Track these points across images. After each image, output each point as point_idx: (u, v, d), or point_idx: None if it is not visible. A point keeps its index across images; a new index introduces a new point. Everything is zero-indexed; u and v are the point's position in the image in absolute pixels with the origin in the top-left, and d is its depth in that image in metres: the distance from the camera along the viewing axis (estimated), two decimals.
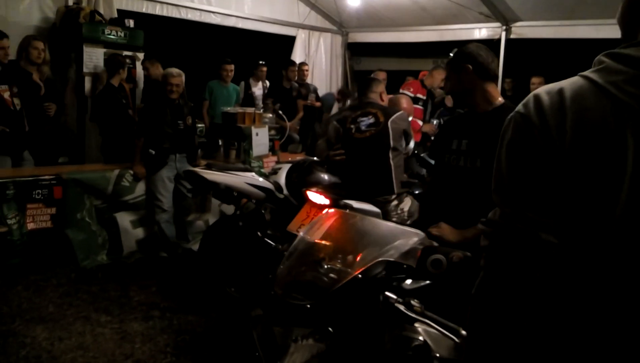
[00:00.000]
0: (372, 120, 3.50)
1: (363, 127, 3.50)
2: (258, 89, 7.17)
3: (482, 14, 7.01)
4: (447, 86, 2.54)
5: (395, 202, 3.38)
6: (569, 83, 1.02)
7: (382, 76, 6.45)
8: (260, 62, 7.18)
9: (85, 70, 5.49)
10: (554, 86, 1.04)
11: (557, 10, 6.38)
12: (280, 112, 6.31)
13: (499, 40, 7.10)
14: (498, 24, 7.15)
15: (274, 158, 5.60)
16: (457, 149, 2.42)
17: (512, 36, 7.06)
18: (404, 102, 4.35)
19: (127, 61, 5.53)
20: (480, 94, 2.35)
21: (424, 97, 5.97)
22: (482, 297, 1.06)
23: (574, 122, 0.97)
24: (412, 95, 5.72)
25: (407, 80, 6.62)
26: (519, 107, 1.06)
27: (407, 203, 3.43)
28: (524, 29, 7.04)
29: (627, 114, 0.93)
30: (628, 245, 0.94)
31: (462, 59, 2.37)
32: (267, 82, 7.36)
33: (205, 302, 3.93)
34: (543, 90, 1.04)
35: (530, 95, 1.06)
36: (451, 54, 2.54)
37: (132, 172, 4.64)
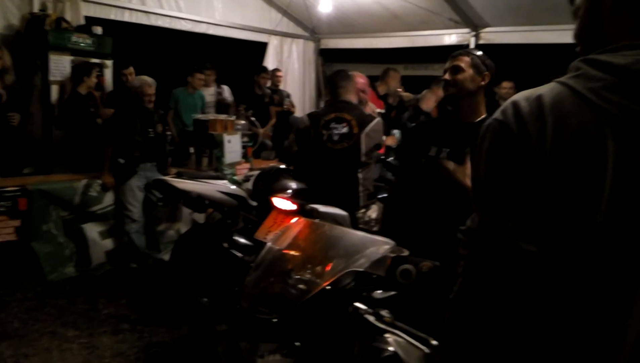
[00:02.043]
0: (345, 129, 3.44)
1: (335, 138, 3.45)
2: (210, 95, 7.06)
3: (452, 20, 7.11)
4: (456, 80, 2.36)
5: (363, 209, 3.38)
6: (547, 89, 1.01)
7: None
8: (195, 66, 6.82)
9: (51, 78, 5.36)
10: (532, 92, 1.02)
11: (524, 16, 6.51)
12: (252, 118, 6.27)
13: (467, 45, 7.19)
14: (467, 30, 7.26)
15: (247, 165, 5.56)
16: (436, 157, 2.41)
17: (481, 42, 7.16)
18: (362, 82, 4.10)
19: (96, 68, 5.41)
20: (475, 104, 2.36)
21: (383, 111, 5.65)
22: (460, 304, 1.05)
23: (553, 130, 0.95)
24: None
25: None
26: (497, 114, 1.04)
27: (375, 210, 3.44)
28: (493, 35, 7.16)
29: (607, 121, 0.93)
30: (608, 252, 0.94)
31: (487, 66, 2.36)
32: (225, 87, 7.28)
33: (177, 314, 3.85)
34: (521, 96, 1.02)
35: (508, 102, 1.03)
36: (472, 52, 2.42)
37: (100, 182, 4.54)
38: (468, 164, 2.19)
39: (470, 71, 2.34)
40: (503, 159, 0.99)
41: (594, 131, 0.94)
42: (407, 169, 2.66)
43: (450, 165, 2.24)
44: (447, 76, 2.39)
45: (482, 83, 2.35)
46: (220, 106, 6.99)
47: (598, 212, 0.93)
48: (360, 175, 3.46)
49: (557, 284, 0.97)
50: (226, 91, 7.35)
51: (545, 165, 0.95)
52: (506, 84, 6.30)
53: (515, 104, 1.01)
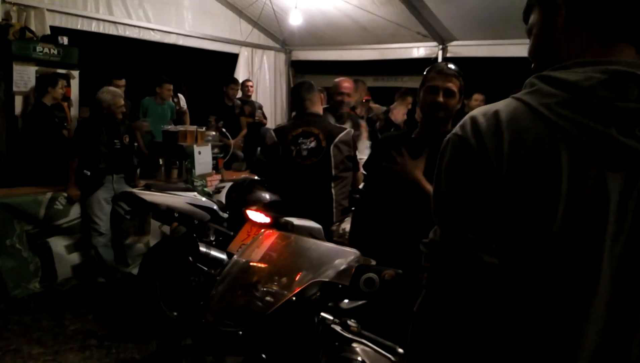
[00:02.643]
0: (313, 144, 3.39)
1: (304, 153, 3.39)
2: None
3: (420, 34, 7.25)
4: (448, 105, 2.33)
5: (337, 223, 3.38)
6: (503, 105, 1.04)
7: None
8: (163, 77, 6.69)
9: (15, 89, 5.24)
10: (489, 108, 1.05)
11: (489, 30, 6.69)
12: (223, 130, 6.24)
13: (436, 58, 7.34)
14: (435, 43, 7.41)
15: (218, 177, 5.52)
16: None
17: (448, 55, 7.33)
18: (348, 86, 4.31)
19: (63, 80, 5.31)
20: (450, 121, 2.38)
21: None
22: (423, 315, 1.06)
23: (510, 144, 0.98)
24: None
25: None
26: (456, 129, 1.06)
27: (349, 223, 3.44)
28: (459, 48, 7.33)
29: (561, 136, 0.96)
30: (564, 262, 0.97)
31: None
32: (181, 97, 7.25)
33: (146, 329, 3.78)
34: (479, 112, 1.05)
35: (467, 117, 1.06)
36: (459, 73, 2.38)
37: (65, 194, 4.44)
38: (422, 162, 2.25)
39: (458, 94, 2.35)
40: (462, 173, 1.01)
41: (548, 146, 0.97)
42: (372, 179, 2.67)
43: (404, 159, 2.29)
44: (440, 98, 2.31)
45: (460, 101, 2.37)
46: (177, 115, 6.93)
47: (554, 224, 0.96)
48: (333, 190, 3.41)
49: (517, 294, 1.00)
50: (182, 100, 7.31)
51: (502, 179, 0.98)
52: (477, 97, 6.45)
53: (473, 120, 1.04)
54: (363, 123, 5.10)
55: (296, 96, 3.65)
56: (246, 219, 3.34)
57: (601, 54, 1.00)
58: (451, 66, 2.40)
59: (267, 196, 3.52)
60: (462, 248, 0.99)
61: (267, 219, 3.19)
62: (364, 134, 4.98)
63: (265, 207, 3.36)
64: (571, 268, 0.97)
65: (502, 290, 1.00)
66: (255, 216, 3.27)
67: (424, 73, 2.44)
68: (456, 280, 1.01)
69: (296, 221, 3.04)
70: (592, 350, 0.97)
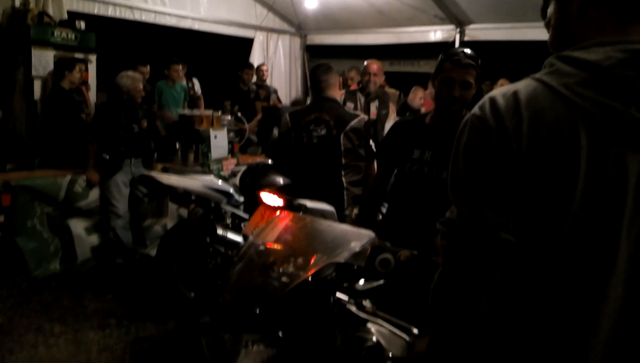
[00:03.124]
0: (324, 131, 3.36)
1: (314, 140, 3.38)
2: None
3: (437, 17, 7.16)
4: (464, 97, 2.26)
5: (350, 207, 3.37)
6: (523, 85, 1.04)
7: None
8: (174, 58, 6.77)
9: (34, 73, 5.30)
10: (508, 88, 1.06)
11: (508, 13, 6.57)
12: (238, 114, 6.26)
13: (453, 42, 7.25)
14: (452, 27, 7.31)
15: (234, 161, 5.55)
16: (419, 159, 2.38)
17: (465, 38, 7.22)
18: (375, 67, 4.42)
19: (79, 64, 5.36)
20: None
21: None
22: (440, 292, 1.08)
23: (529, 124, 0.99)
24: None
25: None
26: (475, 110, 1.06)
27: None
28: (477, 32, 7.22)
29: (580, 115, 0.96)
30: (583, 241, 0.98)
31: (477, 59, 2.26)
32: (195, 81, 7.28)
33: (164, 309, 3.85)
34: (498, 93, 1.05)
35: (486, 98, 1.06)
36: (477, 60, 2.26)
37: (85, 177, 4.51)
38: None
39: (475, 84, 2.27)
40: (481, 152, 1.02)
41: (567, 126, 0.97)
42: (385, 164, 2.64)
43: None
44: (456, 93, 2.24)
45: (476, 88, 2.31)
46: (191, 99, 6.97)
47: (573, 203, 0.97)
48: (344, 178, 3.39)
49: (534, 272, 1.01)
50: (196, 85, 7.34)
51: (521, 159, 0.99)
52: (503, 82, 6.36)
53: (492, 100, 1.04)
54: (392, 103, 5.21)
55: (313, 78, 3.62)
56: (260, 202, 3.36)
57: (619, 35, 0.99)
58: (467, 51, 2.30)
59: (280, 179, 3.53)
60: (479, 225, 1.00)
61: (280, 202, 3.21)
62: (392, 115, 5.00)
63: (278, 190, 3.38)
64: (589, 247, 0.98)
65: (519, 268, 1.01)
66: (269, 198, 3.29)
67: (440, 59, 2.34)
68: (473, 257, 1.02)
69: (309, 203, 3.05)
70: (609, 330, 0.98)
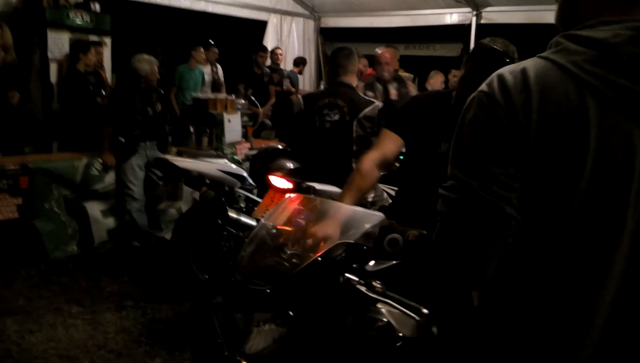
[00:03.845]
0: (337, 117, 3.32)
1: (327, 125, 3.35)
2: (207, 74, 7.03)
3: None
4: (470, 83, 2.02)
5: None
6: (531, 63, 1.04)
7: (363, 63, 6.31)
8: (210, 41, 6.94)
9: (50, 55, 5.34)
10: (516, 66, 1.06)
11: None
12: (252, 98, 6.25)
13: (469, 25, 7.15)
14: (468, 9, 7.20)
15: (247, 145, 5.56)
16: (447, 155, 2.25)
17: (482, 21, 7.12)
18: (388, 56, 4.38)
19: (95, 47, 5.38)
20: None
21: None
22: (440, 247, 1.08)
23: (539, 100, 0.98)
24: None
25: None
26: (482, 86, 1.06)
27: (371, 195, 3.40)
28: (494, 14, 7.10)
29: (589, 92, 0.97)
30: (589, 217, 0.98)
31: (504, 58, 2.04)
32: (219, 67, 7.28)
33: (179, 291, 3.90)
34: (506, 70, 1.05)
35: (493, 75, 1.06)
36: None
37: (101, 161, 4.55)
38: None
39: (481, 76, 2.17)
40: (488, 127, 1.02)
41: (577, 102, 0.98)
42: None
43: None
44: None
45: None
46: (215, 85, 6.99)
47: (581, 180, 0.97)
48: (354, 166, 3.37)
49: (538, 248, 1.02)
50: (219, 71, 7.34)
51: (530, 135, 0.99)
52: None
53: (500, 77, 1.04)
54: (410, 82, 5.24)
55: (332, 61, 3.55)
56: (269, 185, 3.38)
57: (624, 13, 1.00)
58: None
59: (289, 164, 3.55)
60: (485, 197, 1.00)
61: (289, 185, 3.22)
62: (413, 92, 4.98)
63: (287, 174, 3.39)
64: (596, 224, 0.99)
65: (521, 242, 1.02)
66: (278, 181, 3.30)
67: (467, 54, 2.18)
68: (473, 226, 1.02)
69: (318, 186, 3.06)
70: (610, 303, 1.00)
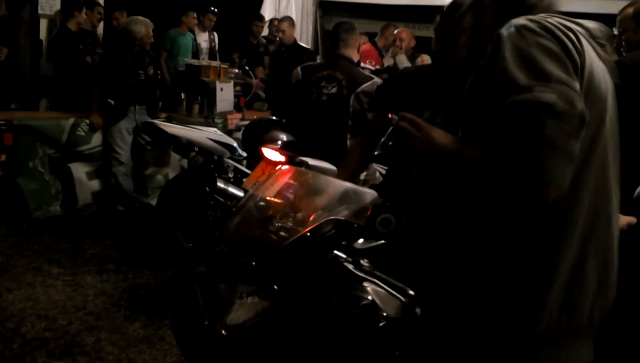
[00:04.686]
0: (334, 90, 3.29)
1: (324, 98, 3.31)
2: (204, 41, 6.91)
3: None
4: (446, 39, 2.00)
5: None
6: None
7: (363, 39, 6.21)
8: (212, 9, 6.75)
9: (40, 12, 5.20)
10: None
11: None
12: (246, 68, 6.15)
13: None
14: None
15: (239, 115, 5.48)
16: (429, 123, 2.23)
17: None
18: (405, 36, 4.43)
19: (99, 7, 5.25)
20: None
21: (383, 68, 5.45)
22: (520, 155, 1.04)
23: (588, 67, 1.08)
24: (372, 68, 5.45)
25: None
26: (515, 26, 1.08)
27: (364, 173, 3.37)
28: None
29: (612, 84, 1.12)
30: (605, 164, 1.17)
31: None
32: (215, 34, 7.14)
33: (162, 258, 3.87)
34: (526, 19, 1.12)
35: (520, 22, 1.09)
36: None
37: (88, 121, 4.47)
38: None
39: (461, 34, 1.98)
40: (549, 41, 1.05)
41: (606, 85, 1.15)
42: (384, 123, 2.31)
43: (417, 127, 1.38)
44: (437, 47, 2.06)
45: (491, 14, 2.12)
46: (212, 53, 6.86)
47: (604, 127, 1.13)
48: (349, 141, 3.29)
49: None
50: (216, 39, 7.21)
51: (580, 68, 1.07)
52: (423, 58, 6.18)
53: (530, 21, 1.09)
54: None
55: (333, 35, 3.51)
56: (261, 157, 3.34)
57: None
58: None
59: (283, 136, 3.50)
60: (560, 93, 0.98)
61: (281, 158, 3.18)
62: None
63: (280, 146, 3.35)
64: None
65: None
66: (270, 153, 3.26)
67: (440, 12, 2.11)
68: (560, 129, 0.97)
69: (311, 161, 3.02)
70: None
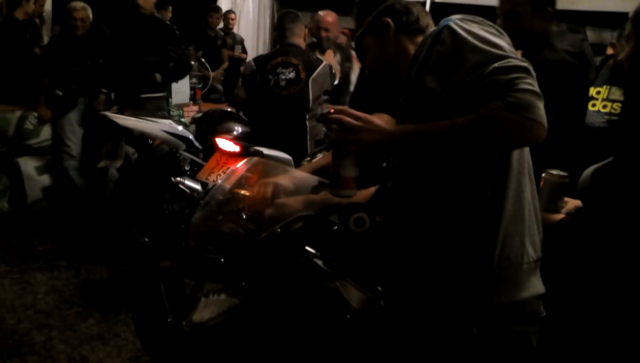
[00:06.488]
0: (292, 75, 3.37)
1: (282, 83, 3.38)
2: None
3: None
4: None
5: (308, 158, 3.35)
6: None
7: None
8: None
9: None
10: None
11: None
12: (202, 60, 6.06)
13: (424, 3, 7.14)
14: None
15: (195, 107, 5.41)
16: None
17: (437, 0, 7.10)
18: (330, 19, 4.04)
19: None
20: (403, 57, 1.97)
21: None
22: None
23: None
24: None
25: None
26: (455, 17, 1.20)
27: (322, 157, 3.41)
28: None
29: None
30: None
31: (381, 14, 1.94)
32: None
33: (116, 253, 3.78)
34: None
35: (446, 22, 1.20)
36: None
37: (36, 114, 4.31)
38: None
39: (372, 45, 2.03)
40: (483, 29, 1.20)
41: None
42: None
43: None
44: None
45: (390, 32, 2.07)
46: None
47: None
48: (308, 123, 3.41)
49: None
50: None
51: None
52: None
53: (462, 17, 1.23)
54: (354, 54, 4.96)
55: (279, 26, 3.61)
56: (216, 148, 3.32)
57: None
58: None
59: (237, 126, 3.51)
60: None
61: (236, 148, 3.18)
62: (356, 65, 4.84)
63: (235, 137, 3.34)
64: None
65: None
66: (225, 144, 3.25)
67: None
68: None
69: (266, 150, 3.03)
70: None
